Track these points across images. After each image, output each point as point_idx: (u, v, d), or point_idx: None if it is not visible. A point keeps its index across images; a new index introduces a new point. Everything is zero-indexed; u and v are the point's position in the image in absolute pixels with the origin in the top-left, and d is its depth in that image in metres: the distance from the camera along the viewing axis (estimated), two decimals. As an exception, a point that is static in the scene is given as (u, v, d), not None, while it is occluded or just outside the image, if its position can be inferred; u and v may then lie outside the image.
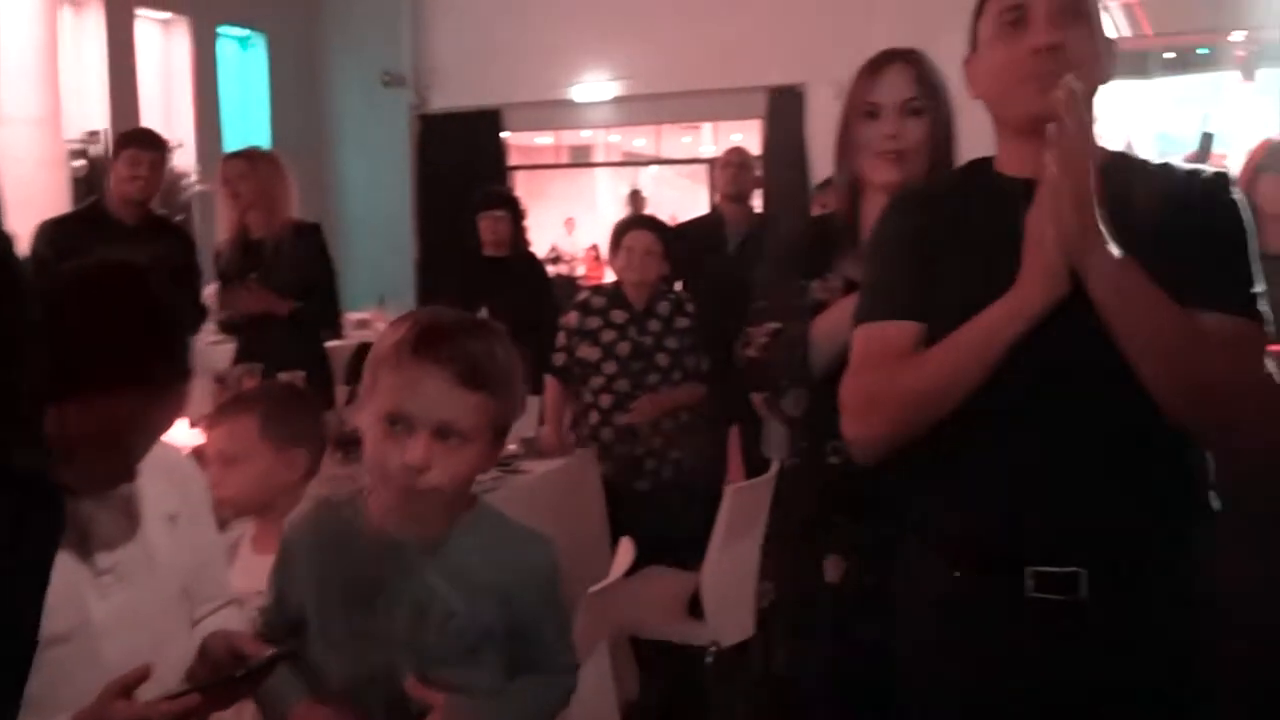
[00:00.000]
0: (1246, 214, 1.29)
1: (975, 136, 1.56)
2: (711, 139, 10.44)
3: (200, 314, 3.92)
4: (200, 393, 3.94)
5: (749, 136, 7.41)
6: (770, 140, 6.95)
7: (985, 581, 1.30)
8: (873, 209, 1.68)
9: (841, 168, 1.76)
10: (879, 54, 1.72)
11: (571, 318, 3.49)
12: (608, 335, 3.40)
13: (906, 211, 1.43)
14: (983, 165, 1.40)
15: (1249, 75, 8.42)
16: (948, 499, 1.33)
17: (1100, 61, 1.30)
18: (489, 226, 4.30)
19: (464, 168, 7.37)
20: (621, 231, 3.52)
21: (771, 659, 1.79)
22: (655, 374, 3.39)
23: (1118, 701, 1.26)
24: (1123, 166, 1.32)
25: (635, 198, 9.21)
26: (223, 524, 2.17)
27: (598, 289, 3.73)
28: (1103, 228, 1.19)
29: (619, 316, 3.43)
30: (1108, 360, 1.21)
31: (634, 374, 3.38)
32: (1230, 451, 1.32)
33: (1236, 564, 2.15)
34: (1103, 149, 1.35)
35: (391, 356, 1.25)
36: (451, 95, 7.63)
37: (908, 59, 1.71)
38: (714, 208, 4.62)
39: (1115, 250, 1.19)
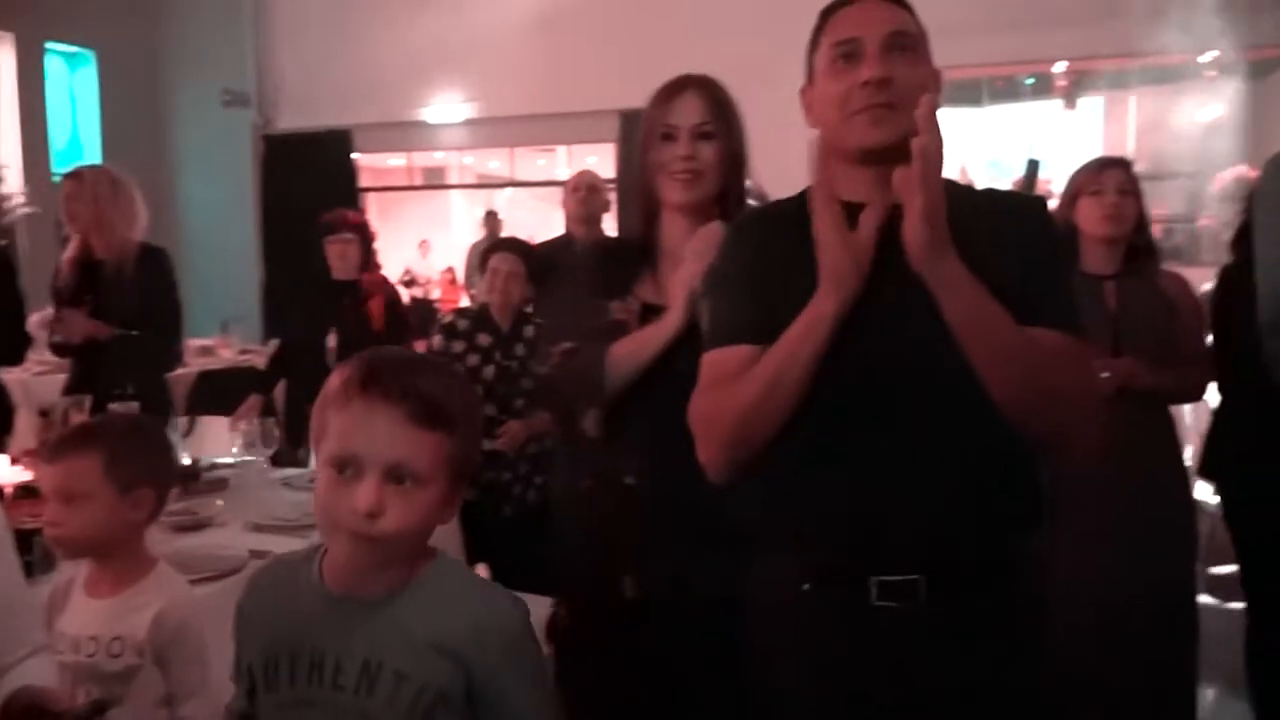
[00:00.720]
0: (1062, 236, 1.38)
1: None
2: (566, 161, 10.48)
3: (21, 343, 3.69)
4: (24, 426, 3.71)
5: (603, 159, 7.47)
6: (623, 163, 7.03)
7: (832, 592, 1.33)
8: (670, 228, 1.78)
9: (640, 188, 1.80)
10: (673, 80, 1.78)
11: (435, 341, 3.42)
12: (473, 359, 3.35)
13: (746, 237, 1.47)
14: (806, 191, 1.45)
15: (1071, 104, 9.00)
16: (795, 513, 1.37)
17: (928, 92, 1.36)
18: (336, 251, 4.19)
19: (313, 189, 7.19)
20: (487, 253, 3.48)
21: (565, 676, 1.77)
22: (521, 398, 3.35)
23: (960, 705, 1.31)
24: (950, 192, 1.36)
25: (491, 219, 9.11)
26: (50, 564, 2.05)
27: (462, 312, 3.67)
28: (949, 238, 1.24)
29: (484, 340, 3.38)
30: (941, 372, 1.26)
31: (500, 398, 3.33)
32: (1064, 458, 1.38)
33: (1070, 567, 2.28)
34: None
35: (339, 396, 1.16)
36: (299, 115, 7.43)
37: (701, 85, 1.77)
38: (566, 231, 4.62)
39: (959, 262, 1.24)
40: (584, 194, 4.39)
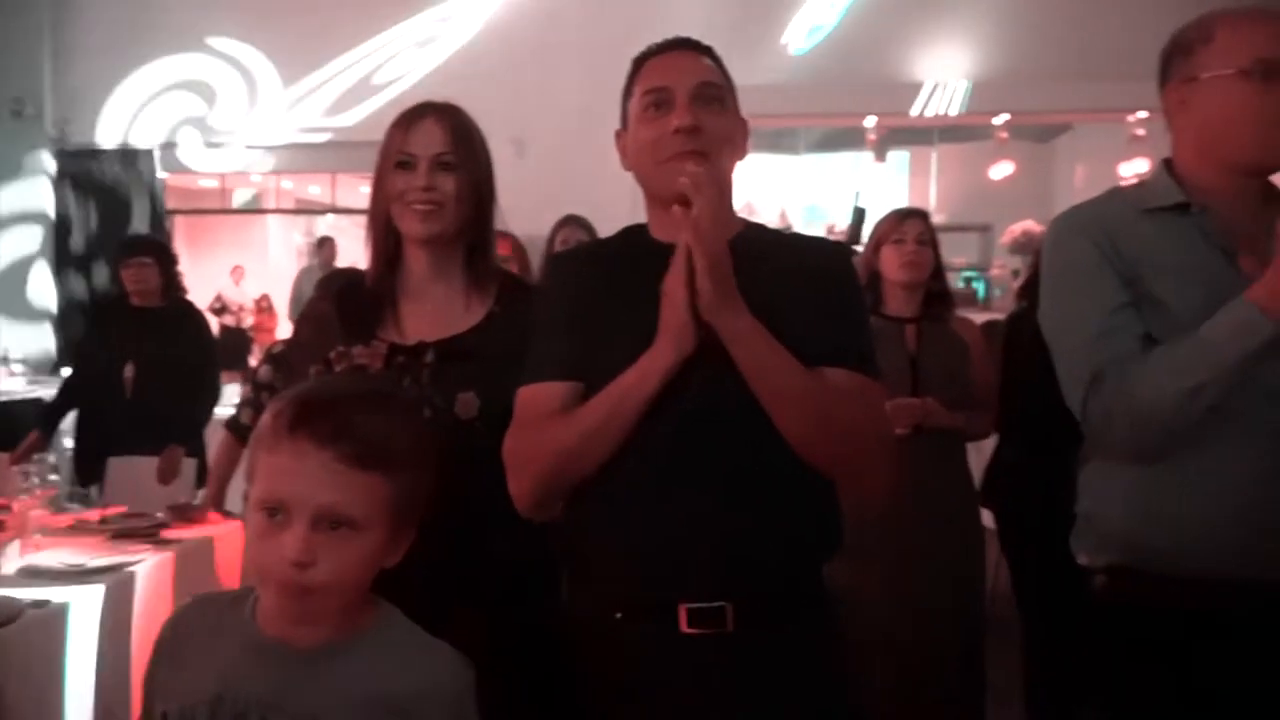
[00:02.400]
0: (858, 282, 1.47)
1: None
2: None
3: None
4: None
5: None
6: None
7: (644, 620, 1.34)
8: (413, 261, 1.67)
9: (376, 219, 1.68)
10: (414, 106, 1.67)
11: (263, 371, 3.26)
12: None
13: (563, 275, 1.49)
14: (638, 230, 1.49)
15: (880, 156, 9.49)
16: (607, 543, 1.37)
17: (734, 141, 1.44)
18: (133, 275, 3.96)
19: (113, 210, 6.79)
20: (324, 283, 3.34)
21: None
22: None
23: None
24: (756, 236, 1.44)
25: (326, 245, 8.72)
26: None
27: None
28: (736, 292, 1.28)
29: (316, 371, 3.23)
30: (746, 410, 1.30)
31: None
32: (856, 494, 1.42)
33: (869, 593, 2.37)
34: (740, 219, 1.48)
35: (269, 435, 1.08)
36: (99, 131, 7.01)
37: (443, 112, 1.66)
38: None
39: (747, 313, 1.28)
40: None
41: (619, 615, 1.36)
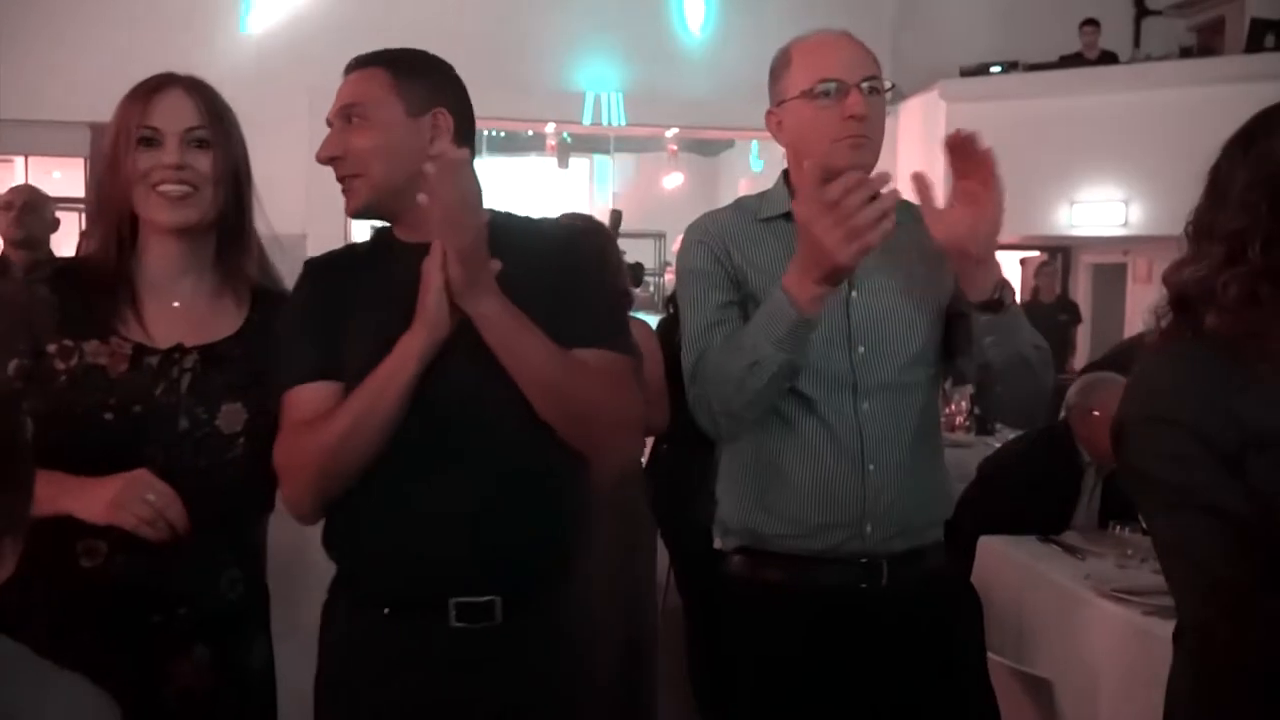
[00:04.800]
0: (607, 262, 1.52)
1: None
2: (24, 175, 9.21)
3: None
4: None
5: (70, 175, 6.73)
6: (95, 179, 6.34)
7: (413, 616, 1.35)
8: (155, 252, 1.46)
9: (108, 206, 1.45)
10: (155, 77, 1.46)
11: None
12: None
13: (317, 278, 1.46)
14: (387, 232, 1.47)
15: (564, 162, 9.71)
16: (373, 542, 1.37)
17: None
18: None
19: None
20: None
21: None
22: None
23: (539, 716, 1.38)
24: (505, 223, 1.43)
25: None
26: None
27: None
28: (490, 278, 1.29)
29: None
30: (507, 398, 1.32)
31: None
32: (609, 471, 1.48)
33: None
34: (491, 209, 1.43)
35: None
36: None
37: (193, 85, 1.46)
38: (3, 254, 3.89)
39: (499, 298, 1.30)
40: (16, 213, 3.69)
41: (386, 611, 1.36)
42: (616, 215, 4.41)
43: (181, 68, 1.48)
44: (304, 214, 4.13)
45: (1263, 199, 1.11)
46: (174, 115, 1.42)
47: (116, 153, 1.43)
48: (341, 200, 1.43)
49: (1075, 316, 7.18)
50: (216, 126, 1.45)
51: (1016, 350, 1.54)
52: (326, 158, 1.39)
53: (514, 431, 1.34)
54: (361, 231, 6.09)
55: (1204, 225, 1.16)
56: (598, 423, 1.37)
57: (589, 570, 1.49)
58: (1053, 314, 6.65)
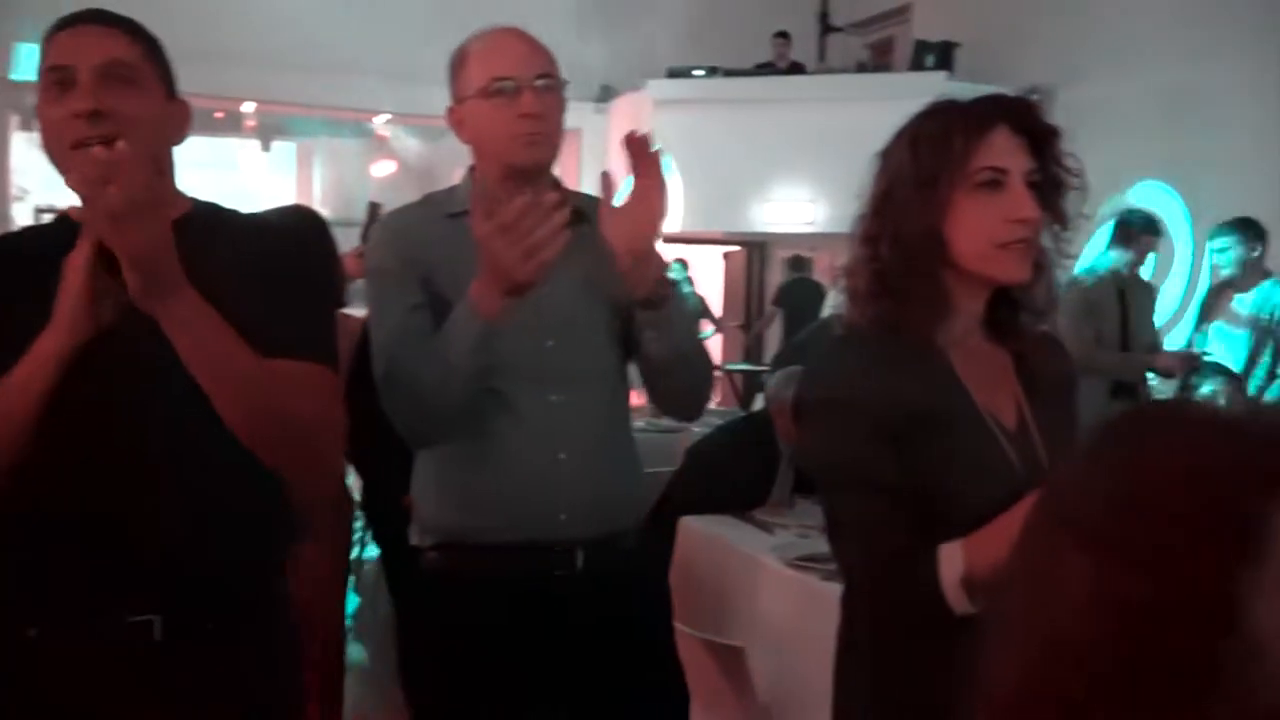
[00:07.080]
0: (321, 262, 1.47)
1: None
2: None
3: None
4: None
5: None
6: None
7: (67, 639, 1.26)
8: None
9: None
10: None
11: None
12: None
13: None
14: (66, 216, 1.32)
15: (266, 145, 9.21)
16: (24, 559, 1.26)
17: (155, 124, 1.29)
18: None
19: None
20: None
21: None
22: None
23: None
24: (207, 216, 1.34)
25: None
26: None
27: None
28: (176, 278, 1.17)
29: None
30: (187, 400, 1.20)
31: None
32: (303, 488, 1.39)
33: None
34: (189, 198, 1.37)
35: None
36: None
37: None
38: None
39: (188, 301, 1.18)
40: None
41: (33, 632, 1.26)
42: (374, 207, 4.10)
43: None
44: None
45: (888, 204, 1.27)
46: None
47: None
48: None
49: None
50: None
51: (675, 345, 1.62)
52: (89, 110, 1.23)
53: (194, 439, 1.25)
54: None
55: (856, 228, 1.32)
56: (288, 435, 1.27)
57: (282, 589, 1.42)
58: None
